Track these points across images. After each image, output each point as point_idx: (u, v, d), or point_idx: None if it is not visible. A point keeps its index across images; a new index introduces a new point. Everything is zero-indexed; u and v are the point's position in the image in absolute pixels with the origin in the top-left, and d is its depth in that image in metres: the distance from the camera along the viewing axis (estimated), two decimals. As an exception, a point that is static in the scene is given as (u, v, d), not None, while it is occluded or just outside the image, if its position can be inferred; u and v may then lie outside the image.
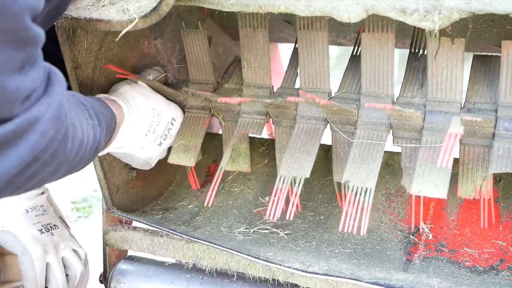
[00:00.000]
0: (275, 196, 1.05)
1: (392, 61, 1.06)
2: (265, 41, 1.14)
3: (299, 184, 1.04)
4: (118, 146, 1.09)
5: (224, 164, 1.14)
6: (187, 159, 1.21)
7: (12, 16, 0.66)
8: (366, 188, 1.00)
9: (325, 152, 1.34)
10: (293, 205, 1.04)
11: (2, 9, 0.65)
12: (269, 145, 1.41)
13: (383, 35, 1.02)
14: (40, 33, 0.72)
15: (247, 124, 1.19)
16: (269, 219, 1.22)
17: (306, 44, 1.10)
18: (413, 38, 1.13)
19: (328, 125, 1.14)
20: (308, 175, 1.05)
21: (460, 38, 0.97)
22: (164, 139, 1.19)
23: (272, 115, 1.18)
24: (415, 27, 1.03)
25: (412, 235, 1.15)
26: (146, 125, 1.13)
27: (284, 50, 2.07)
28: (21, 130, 0.69)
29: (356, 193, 1.00)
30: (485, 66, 1.10)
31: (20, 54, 0.69)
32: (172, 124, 1.19)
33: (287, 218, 1.05)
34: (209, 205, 1.12)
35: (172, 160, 1.22)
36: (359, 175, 1.02)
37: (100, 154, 1.06)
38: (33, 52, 0.72)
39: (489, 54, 1.13)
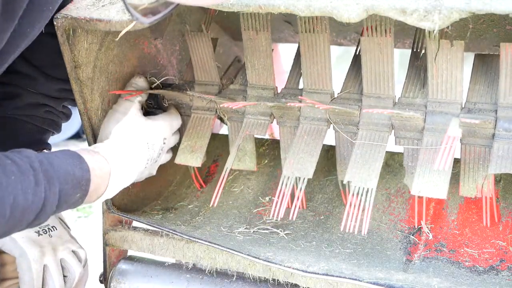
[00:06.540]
0: (279, 196, 1.07)
1: (392, 63, 1.06)
2: (268, 43, 1.14)
3: (302, 184, 1.06)
4: (118, 191, 1.07)
5: (230, 165, 1.15)
6: (193, 159, 1.24)
7: None
8: (368, 189, 1.01)
9: (325, 152, 1.34)
10: (295, 205, 1.05)
11: None
12: (269, 145, 1.41)
13: (382, 39, 1.02)
14: None
15: (252, 125, 1.20)
16: (269, 219, 1.23)
17: (308, 47, 1.10)
18: (415, 38, 1.13)
19: (331, 125, 1.15)
20: (311, 176, 1.07)
21: (459, 40, 0.97)
22: (160, 153, 1.20)
23: (276, 116, 1.18)
24: (416, 27, 1.03)
25: (412, 235, 1.15)
26: (143, 160, 1.14)
27: (284, 50, 2.07)
28: None
29: (357, 193, 1.01)
30: (487, 65, 1.09)
31: None
32: (164, 143, 1.20)
33: (290, 217, 1.06)
34: (214, 205, 1.14)
35: (178, 160, 1.25)
36: (360, 175, 1.03)
37: (96, 202, 1.04)
38: None
39: (491, 53, 1.13)
